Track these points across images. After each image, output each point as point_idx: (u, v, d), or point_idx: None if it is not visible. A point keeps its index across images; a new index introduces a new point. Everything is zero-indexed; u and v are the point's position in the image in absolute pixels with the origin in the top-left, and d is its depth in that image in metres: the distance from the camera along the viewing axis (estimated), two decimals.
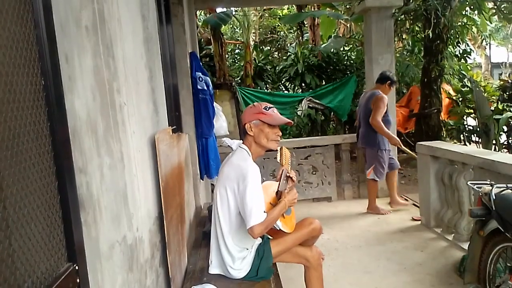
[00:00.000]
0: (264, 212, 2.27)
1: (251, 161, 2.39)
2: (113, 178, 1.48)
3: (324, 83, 9.80)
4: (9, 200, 0.74)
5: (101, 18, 1.50)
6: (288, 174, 2.58)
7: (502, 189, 2.53)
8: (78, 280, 0.97)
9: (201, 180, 4.51)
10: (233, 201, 2.36)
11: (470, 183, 2.79)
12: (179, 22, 4.00)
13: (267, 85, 10.59)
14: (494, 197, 2.47)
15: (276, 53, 14.68)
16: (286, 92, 10.83)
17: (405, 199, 5.58)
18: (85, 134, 1.25)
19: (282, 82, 10.72)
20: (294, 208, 2.65)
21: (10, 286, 0.78)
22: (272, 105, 2.51)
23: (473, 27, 8.84)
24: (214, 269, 2.52)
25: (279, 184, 2.52)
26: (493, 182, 2.62)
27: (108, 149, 1.45)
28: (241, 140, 4.88)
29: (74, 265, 0.97)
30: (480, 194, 2.62)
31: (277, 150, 2.61)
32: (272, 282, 2.47)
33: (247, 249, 2.47)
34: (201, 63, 4.65)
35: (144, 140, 2.04)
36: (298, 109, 8.74)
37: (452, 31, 7.19)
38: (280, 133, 2.50)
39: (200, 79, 4.23)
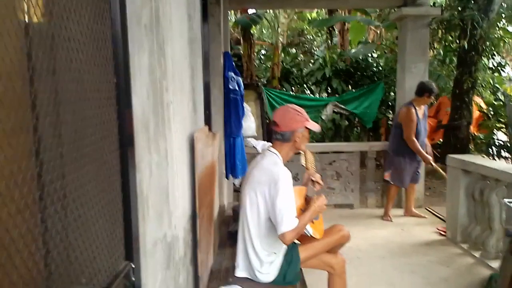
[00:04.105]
0: (296, 217, 2.25)
1: (282, 166, 2.38)
2: (160, 176, 1.50)
3: (350, 88, 9.70)
4: (85, 198, 0.75)
5: (157, 17, 1.51)
6: (312, 178, 2.57)
7: None
8: (133, 279, 0.97)
9: (225, 179, 4.53)
10: (263, 205, 2.34)
11: (508, 201, 2.71)
12: (215, 21, 4.03)
13: (293, 88, 10.55)
14: None
15: (302, 56, 14.62)
16: (311, 95, 10.77)
17: (431, 212, 5.49)
18: (140, 132, 1.26)
19: (308, 85, 10.66)
20: None
21: (73, 283, 0.79)
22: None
23: (510, 40, 8.61)
24: (240, 272, 2.50)
25: (307, 188, 2.51)
26: None
27: (156, 146, 1.46)
28: (266, 142, 4.85)
29: (131, 264, 0.97)
30: None
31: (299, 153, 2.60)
32: None
33: (275, 253, 2.46)
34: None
35: (184, 138, 2.05)
36: (323, 114, 8.68)
37: (488, 42, 7.02)
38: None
39: (232, 79, 4.25)
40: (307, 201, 2.49)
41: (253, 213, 2.39)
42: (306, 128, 2.43)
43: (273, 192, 2.26)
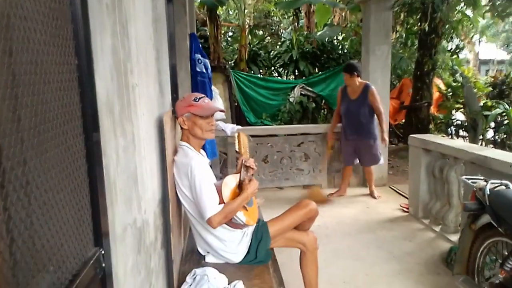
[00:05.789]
0: (221, 204, 2.25)
1: (193, 155, 2.37)
2: (127, 160, 1.47)
3: (317, 71, 9.78)
4: (49, 184, 0.73)
5: None
6: (245, 163, 2.49)
7: (496, 185, 2.58)
8: (103, 265, 0.96)
9: None
10: (192, 197, 2.33)
11: (465, 178, 2.84)
12: (180, 1, 3.93)
13: (261, 70, 10.52)
14: (488, 192, 2.53)
15: (269, 38, 14.55)
16: (279, 78, 10.80)
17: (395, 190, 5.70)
18: (105, 115, 1.22)
19: (276, 67, 10.66)
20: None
21: (40, 271, 0.78)
22: (202, 95, 2.46)
23: (467, 23, 8.90)
24: (209, 258, 2.52)
25: (240, 175, 2.44)
26: (487, 178, 2.68)
27: (122, 130, 1.43)
28: (235, 125, 4.83)
29: (101, 250, 0.96)
30: (475, 189, 2.68)
31: (234, 138, 2.52)
32: (270, 267, 2.49)
33: (241, 229, 2.45)
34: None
35: (152, 122, 2.02)
36: (291, 96, 8.74)
37: (447, 25, 7.23)
38: (214, 122, 2.45)
39: (199, 61, 4.19)
40: (241, 187, 2.41)
41: (194, 209, 2.38)
42: (194, 114, 2.35)
43: (191, 182, 2.26)
